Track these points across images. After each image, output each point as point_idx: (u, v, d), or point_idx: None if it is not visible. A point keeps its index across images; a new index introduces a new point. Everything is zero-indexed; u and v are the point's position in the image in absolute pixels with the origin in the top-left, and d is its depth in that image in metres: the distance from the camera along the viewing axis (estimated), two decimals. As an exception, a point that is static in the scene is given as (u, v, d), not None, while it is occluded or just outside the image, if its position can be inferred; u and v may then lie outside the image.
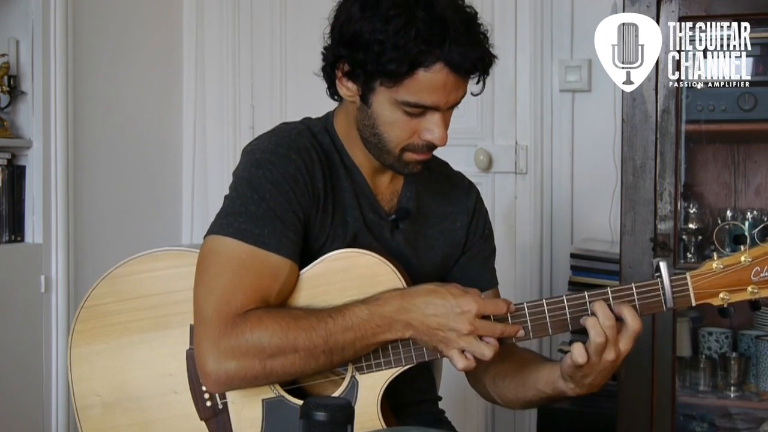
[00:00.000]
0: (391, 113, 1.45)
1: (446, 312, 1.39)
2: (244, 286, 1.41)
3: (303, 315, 1.42)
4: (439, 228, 1.65)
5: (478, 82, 1.48)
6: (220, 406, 1.50)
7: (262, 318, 1.40)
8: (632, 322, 1.37)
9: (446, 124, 1.47)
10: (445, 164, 1.73)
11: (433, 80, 1.41)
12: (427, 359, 1.46)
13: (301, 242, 1.48)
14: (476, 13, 1.45)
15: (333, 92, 1.55)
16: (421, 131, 1.46)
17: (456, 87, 1.44)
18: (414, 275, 1.53)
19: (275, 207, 1.45)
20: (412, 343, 1.45)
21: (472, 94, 1.50)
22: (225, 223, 1.45)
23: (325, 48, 1.51)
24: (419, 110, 1.44)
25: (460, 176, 1.73)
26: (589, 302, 1.40)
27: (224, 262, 1.42)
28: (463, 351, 1.40)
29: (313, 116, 1.62)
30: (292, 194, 1.46)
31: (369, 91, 1.45)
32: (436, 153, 1.70)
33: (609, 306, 1.38)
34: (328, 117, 1.60)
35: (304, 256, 1.49)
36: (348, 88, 1.48)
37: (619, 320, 1.38)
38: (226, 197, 1.50)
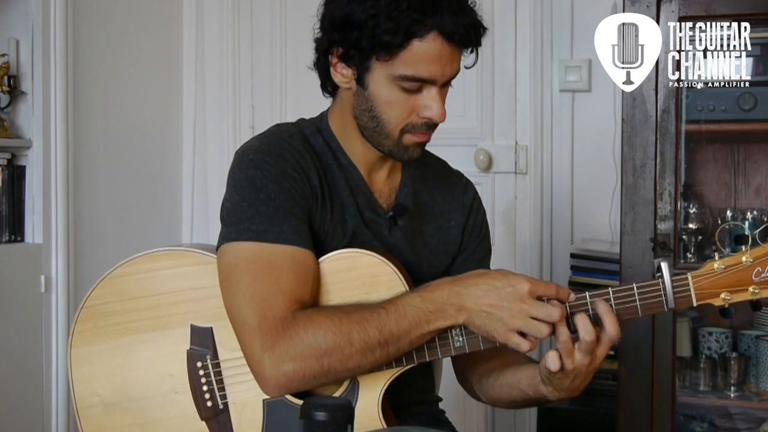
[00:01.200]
0: (388, 91, 1.45)
1: (497, 292, 1.38)
2: (282, 286, 1.41)
3: (354, 309, 1.42)
4: (435, 225, 1.65)
5: (471, 52, 1.48)
6: (221, 407, 1.50)
7: (312, 316, 1.40)
8: (611, 329, 1.36)
9: (443, 99, 1.47)
10: (443, 162, 1.73)
11: (428, 50, 1.42)
12: (427, 359, 1.46)
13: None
14: None
15: (327, 85, 1.56)
16: (419, 109, 1.46)
17: (451, 58, 1.44)
18: (412, 272, 1.53)
19: (283, 203, 1.45)
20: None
21: (465, 67, 1.50)
22: (242, 229, 1.44)
23: (317, 40, 1.52)
24: (416, 85, 1.44)
25: (458, 174, 1.73)
26: (570, 313, 1.39)
27: (255, 267, 1.42)
28: (521, 333, 1.38)
29: (314, 116, 1.63)
30: (293, 191, 1.46)
31: (365, 71, 1.46)
32: (435, 153, 1.71)
33: (589, 316, 1.37)
34: (322, 117, 1.60)
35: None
36: (343, 75, 1.49)
37: (598, 324, 1.37)
38: (226, 201, 1.49)
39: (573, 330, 1.38)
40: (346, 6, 1.44)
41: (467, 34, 1.44)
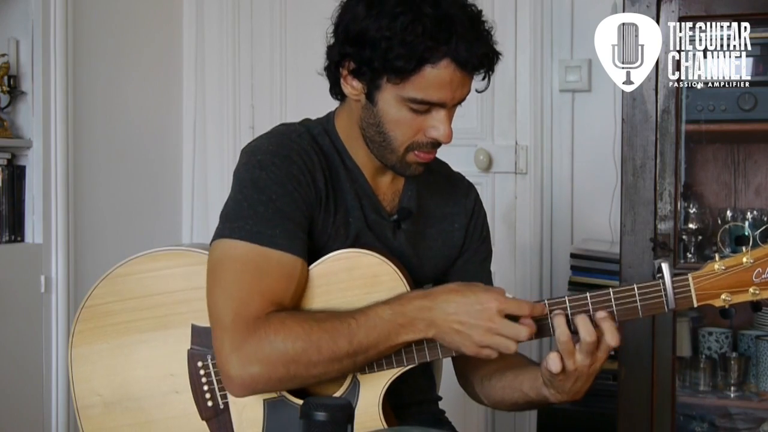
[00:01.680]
0: (397, 111, 1.45)
1: (467, 309, 1.38)
2: (261, 289, 1.41)
3: (326, 317, 1.42)
4: (438, 228, 1.65)
5: (483, 79, 1.48)
6: (222, 406, 1.50)
7: (285, 321, 1.40)
8: (610, 339, 1.36)
9: (450, 120, 1.48)
10: (445, 165, 1.73)
11: (439, 76, 1.41)
12: (428, 359, 1.46)
13: (308, 240, 1.48)
14: (481, 11, 1.46)
15: (336, 91, 1.55)
16: (426, 129, 1.47)
17: (462, 83, 1.44)
18: (414, 275, 1.53)
19: (283, 207, 1.45)
20: (422, 344, 1.44)
21: (476, 91, 1.51)
22: (236, 227, 1.44)
23: (329, 47, 1.52)
24: (425, 107, 1.45)
25: (459, 177, 1.73)
26: (571, 314, 1.39)
27: (239, 266, 1.42)
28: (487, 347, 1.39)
29: (314, 116, 1.62)
30: (297, 194, 1.46)
31: (375, 88, 1.46)
32: (436, 154, 1.71)
33: (590, 317, 1.38)
34: (329, 118, 1.60)
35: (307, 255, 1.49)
36: (353, 87, 1.49)
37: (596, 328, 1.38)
38: (229, 199, 1.49)
39: (573, 330, 1.38)
40: (361, 21, 1.43)
41: (480, 62, 1.44)
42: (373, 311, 1.41)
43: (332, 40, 1.50)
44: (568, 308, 1.40)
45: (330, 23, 1.50)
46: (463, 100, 1.48)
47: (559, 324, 1.38)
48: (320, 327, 1.40)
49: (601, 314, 1.38)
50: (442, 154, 1.72)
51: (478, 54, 1.42)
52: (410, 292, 1.44)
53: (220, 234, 1.47)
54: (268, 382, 1.41)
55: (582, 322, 1.37)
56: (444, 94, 1.43)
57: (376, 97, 1.46)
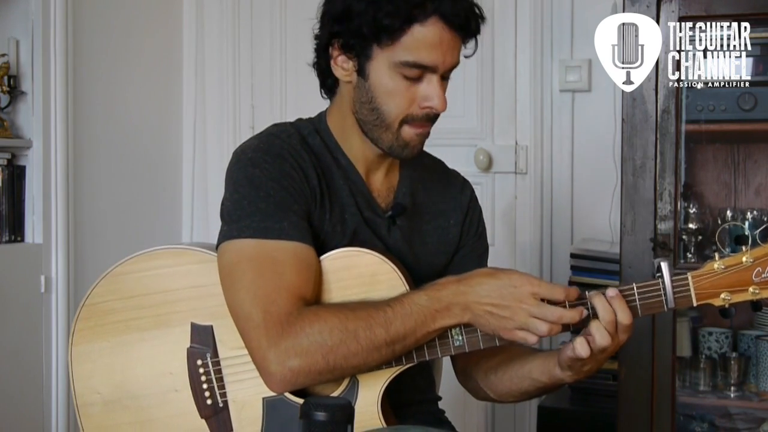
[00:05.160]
0: (389, 79, 1.46)
1: (500, 292, 1.39)
2: (285, 282, 1.41)
3: (360, 307, 1.42)
4: (434, 225, 1.65)
5: (472, 37, 1.50)
6: (221, 405, 1.50)
7: (319, 313, 1.40)
8: (622, 318, 1.38)
9: (444, 90, 1.49)
10: (441, 162, 1.74)
11: (428, 35, 1.43)
12: (427, 358, 1.46)
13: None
14: None
15: (327, 86, 1.57)
16: (419, 99, 1.47)
17: (451, 45, 1.46)
18: (411, 272, 1.53)
19: (282, 201, 1.45)
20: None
21: (465, 56, 1.52)
22: (242, 226, 1.45)
23: (317, 36, 1.54)
24: (417, 72, 1.46)
25: (454, 174, 1.74)
26: (588, 296, 1.40)
27: (256, 264, 1.42)
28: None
29: (311, 116, 1.63)
30: (292, 189, 1.47)
31: (366, 59, 1.47)
32: (435, 153, 1.71)
33: (605, 298, 1.39)
34: (320, 117, 1.61)
35: None
36: (344, 68, 1.50)
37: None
38: (226, 200, 1.49)
39: (573, 330, 1.39)
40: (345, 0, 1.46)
41: (467, 18, 1.46)
42: (408, 298, 1.42)
43: (319, 30, 1.53)
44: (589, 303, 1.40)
45: (316, 21, 1.53)
46: (453, 67, 1.49)
47: (602, 303, 1.38)
48: (356, 316, 1.40)
49: (611, 292, 1.38)
50: (441, 153, 1.73)
51: (463, 8, 1.44)
52: (445, 279, 1.44)
53: (227, 236, 1.46)
54: (309, 375, 1.40)
55: (599, 303, 1.38)
56: (435, 56, 1.44)
57: (368, 70, 1.47)
